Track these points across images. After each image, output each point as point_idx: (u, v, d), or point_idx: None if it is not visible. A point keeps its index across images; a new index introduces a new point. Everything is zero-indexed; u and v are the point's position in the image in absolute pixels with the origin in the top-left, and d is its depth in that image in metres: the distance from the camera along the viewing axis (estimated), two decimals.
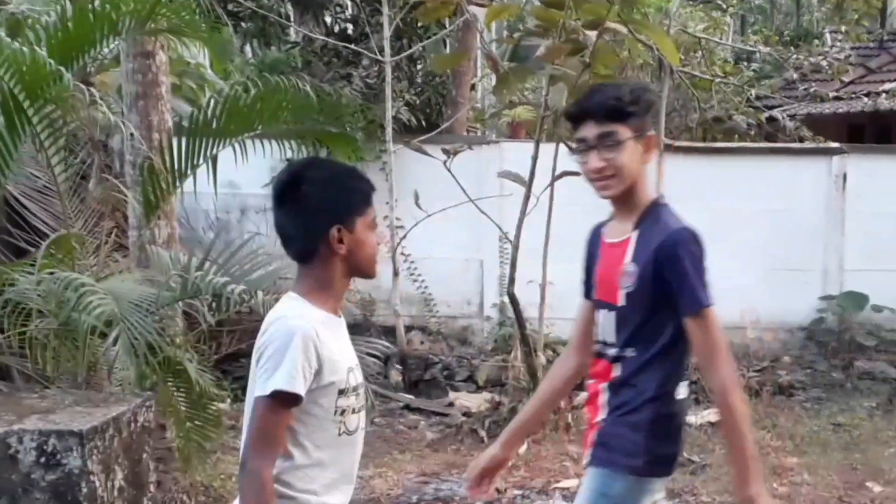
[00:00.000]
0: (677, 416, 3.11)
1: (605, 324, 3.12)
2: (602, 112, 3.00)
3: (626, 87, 3.07)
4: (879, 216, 9.38)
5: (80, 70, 6.32)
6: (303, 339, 2.49)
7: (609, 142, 2.99)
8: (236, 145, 6.70)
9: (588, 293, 3.30)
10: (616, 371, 3.08)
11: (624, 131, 2.98)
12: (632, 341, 3.04)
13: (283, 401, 2.48)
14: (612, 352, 3.09)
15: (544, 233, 7.13)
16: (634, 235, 3.04)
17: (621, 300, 3.04)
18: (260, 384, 2.50)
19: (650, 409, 3.04)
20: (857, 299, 9.21)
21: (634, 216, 3.07)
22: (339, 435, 2.62)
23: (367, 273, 2.73)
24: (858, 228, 9.43)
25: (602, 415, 3.13)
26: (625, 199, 3.08)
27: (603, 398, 3.12)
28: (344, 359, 2.65)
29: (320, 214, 2.62)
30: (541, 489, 6.45)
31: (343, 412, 2.61)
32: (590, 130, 3.02)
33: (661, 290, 2.96)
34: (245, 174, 8.85)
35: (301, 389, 2.48)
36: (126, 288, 5.75)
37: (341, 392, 2.60)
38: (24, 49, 5.30)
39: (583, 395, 8.11)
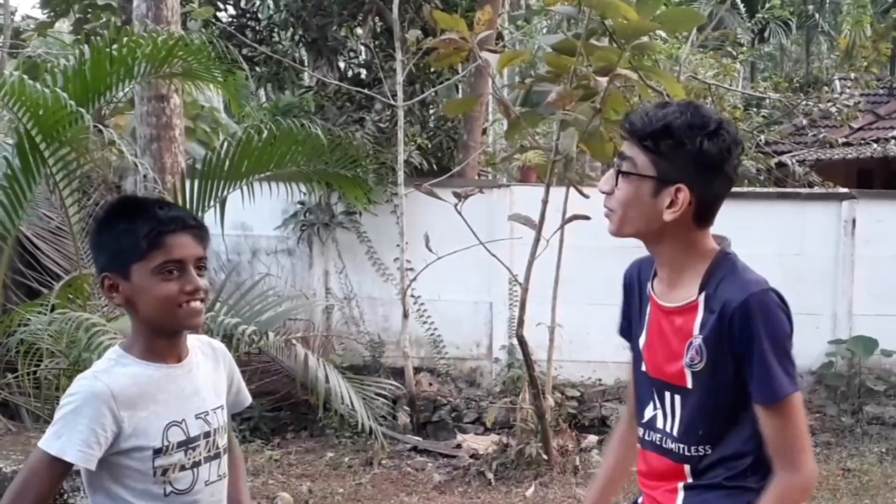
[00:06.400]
0: None
1: (665, 409, 2.47)
2: (628, 129, 2.38)
3: (684, 116, 2.29)
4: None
5: (95, 112, 6.42)
6: (92, 404, 2.30)
7: (622, 165, 2.38)
8: (247, 187, 6.78)
9: (632, 346, 2.64)
10: (690, 470, 2.43)
11: (642, 163, 2.33)
12: (708, 436, 2.39)
13: (55, 463, 2.30)
14: (674, 446, 2.44)
15: (554, 276, 7.19)
16: (702, 300, 2.39)
17: (689, 382, 2.39)
18: (44, 436, 2.33)
19: None
20: (867, 344, 9.18)
21: (692, 274, 2.42)
22: (167, 495, 2.42)
23: (166, 325, 2.42)
24: (867, 273, 9.42)
25: None
26: (659, 251, 2.46)
27: (679, 499, 2.44)
28: (162, 416, 2.41)
29: (95, 260, 2.48)
30: None
31: (165, 471, 2.40)
32: (623, 147, 2.42)
33: (738, 367, 2.34)
34: (256, 216, 8.96)
35: (79, 459, 2.29)
36: None
37: (158, 451, 2.39)
38: (46, 90, 5.39)
39: (591, 439, 8.12)
